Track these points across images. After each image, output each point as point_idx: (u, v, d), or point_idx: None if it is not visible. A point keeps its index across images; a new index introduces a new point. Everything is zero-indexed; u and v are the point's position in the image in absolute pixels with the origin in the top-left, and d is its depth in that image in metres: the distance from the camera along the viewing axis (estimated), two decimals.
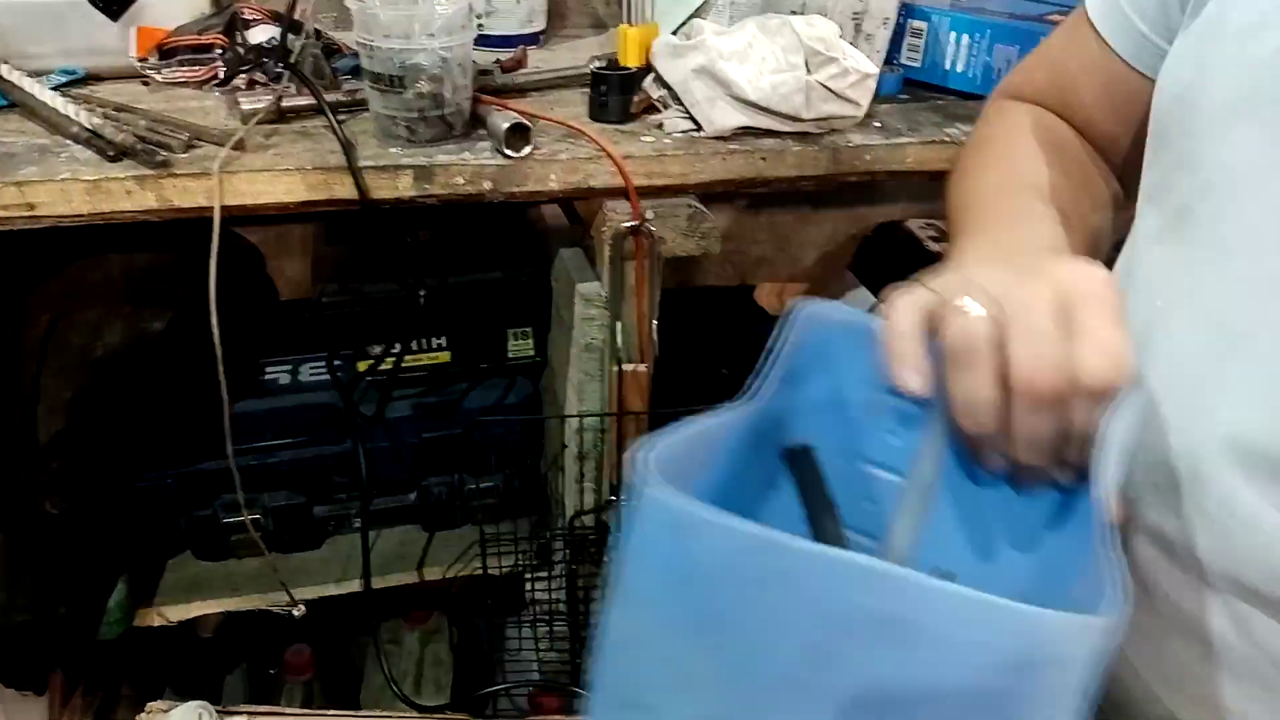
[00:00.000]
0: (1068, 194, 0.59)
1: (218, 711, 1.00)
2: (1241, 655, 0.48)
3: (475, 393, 1.21)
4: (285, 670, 1.46)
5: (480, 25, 1.20)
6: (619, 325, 1.01)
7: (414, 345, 1.14)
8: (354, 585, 1.22)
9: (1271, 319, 0.45)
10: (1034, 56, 0.71)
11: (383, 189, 0.90)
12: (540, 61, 1.17)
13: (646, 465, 0.37)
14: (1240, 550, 0.47)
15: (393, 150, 0.92)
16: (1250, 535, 0.46)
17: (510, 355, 1.19)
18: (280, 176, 0.89)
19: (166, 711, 1.01)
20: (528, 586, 1.27)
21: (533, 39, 1.23)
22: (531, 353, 1.19)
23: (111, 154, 0.87)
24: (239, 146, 0.90)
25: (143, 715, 1.05)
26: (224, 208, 0.88)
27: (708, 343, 1.40)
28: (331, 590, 1.22)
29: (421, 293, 0.94)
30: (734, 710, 0.38)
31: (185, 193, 0.88)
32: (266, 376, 1.19)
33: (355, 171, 0.88)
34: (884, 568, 0.34)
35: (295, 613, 1.15)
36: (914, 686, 0.34)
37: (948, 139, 1.02)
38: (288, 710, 1.05)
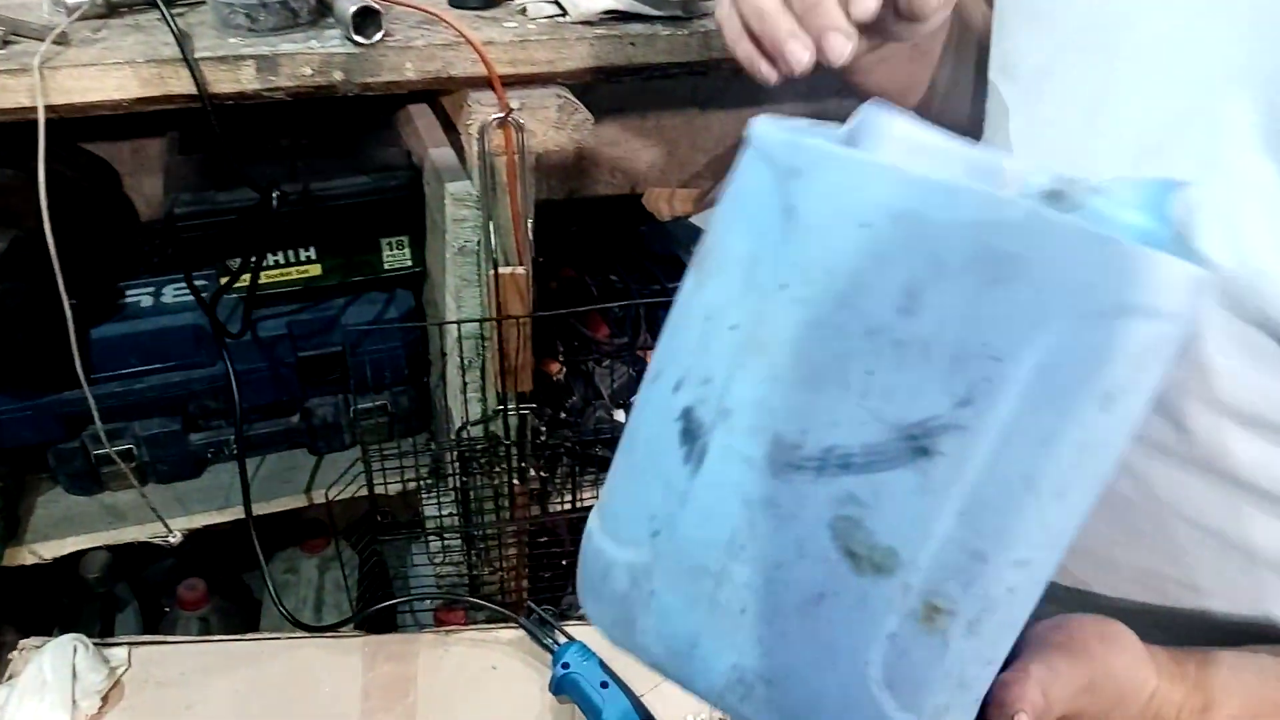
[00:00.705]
0: None
1: (95, 644, 0.96)
2: (1145, 512, 0.48)
3: (353, 307, 1.16)
4: (179, 604, 1.42)
5: None
6: (492, 225, 0.97)
7: (280, 259, 1.08)
8: (237, 513, 1.17)
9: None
10: None
11: (223, 82, 0.84)
12: None
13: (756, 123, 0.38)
14: None
15: (232, 40, 0.86)
16: None
17: (387, 266, 1.14)
18: (110, 71, 0.82)
19: (39, 648, 0.97)
20: (421, 503, 1.24)
21: None
22: (409, 263, 1.14)
23: None
24: (62, 40, 0.83)
25: (15, 654, 1.01)
26: (49, 107, 0.82)
27: (597, 250, 1.37)
28: (214, 519, 1.18)
29: (275, 195, 0.88)
30: (806, 375, 0.36)
31: (3, 91, 0.81)
32: (127, 299, 1.13)
33: (191, 63, 0.82)
34: (998, 195, 0.33)
35: (171, 540, 1.11)
36: (1006, 333, 0.33)
37: None
38: (171, 639, 1.02)
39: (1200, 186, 0.38)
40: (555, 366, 1.26)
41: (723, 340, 0.38)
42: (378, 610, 1.08)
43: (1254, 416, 0.41)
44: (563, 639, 0.94)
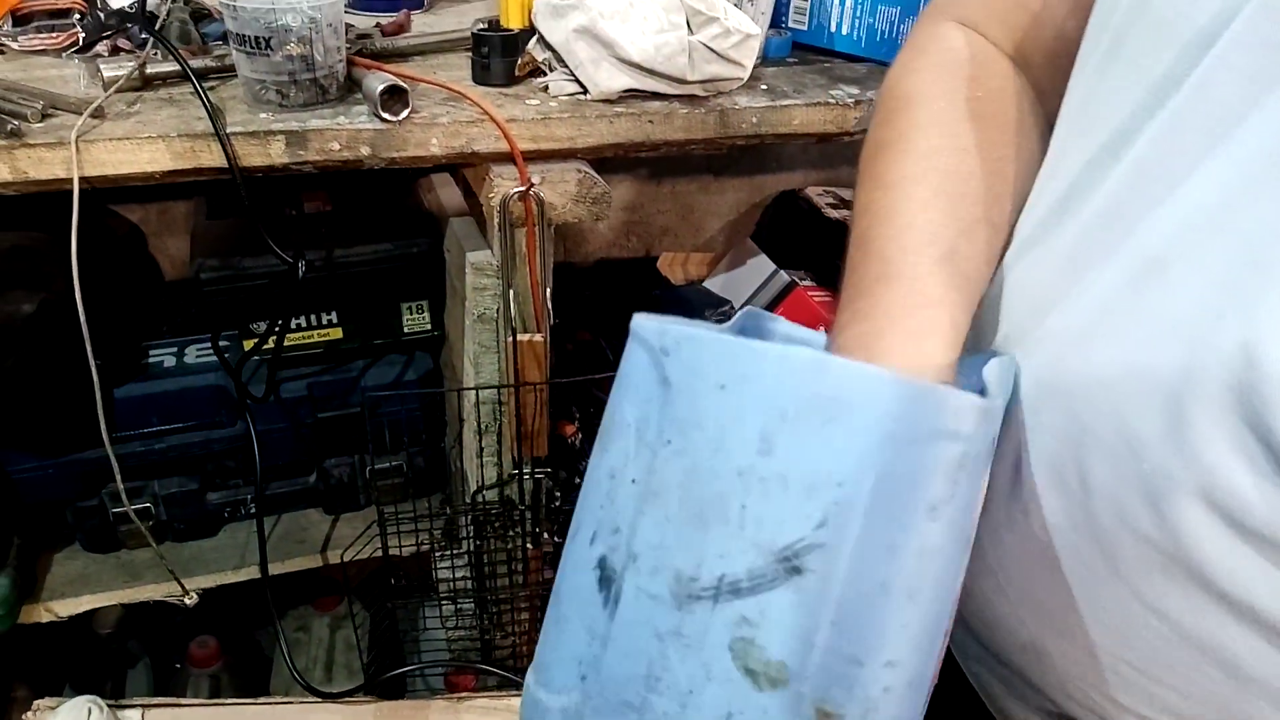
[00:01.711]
0: (975, 197, 0.52)
1: (109, 705, 0.97)
2: (1109, 588, 0.48)
3: (372, 370, 1.18)
4: (190, 662, 1.42)
5: None
6: (511, 294, 0.99)
7: (302, 322, 1.10)
8: (252, 572, 1.18)
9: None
10: None
11: (254, 156, 0.87)
12: (425, 25, 1.14)
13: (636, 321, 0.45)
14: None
15: (263, 115, 0.88)
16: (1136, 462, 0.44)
17: (406, 330, 1.16)
18: (143, 144, 0.85)
19: (54, 709, 0.97)
20: (434, 565, 1.25)
21: (416, 2, 1.20)
22: (428, 327, 1.16)
23: None
24: (98, 114, 0.86)
25: (29, 714, 1.01)
26: (84, 179, 0.84)
27: (611, 314, 1.39)
28: (229, 578, 1.18)
29: (301, 264, 0.90)
30: (694, 514, 0.42)
31: (41, 164, 0.83)
32: (151, 359, 1.15)
33: (223, 138, 0.85)
34: (816, 355, 0.40)
35: (187, 601, 1.11)
36: (844, 462, 0.40)
37: (832, 100, 1.01)
38: (184, 700, 1.02)
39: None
40: (571, 429, 1.27)
41: (625, 493, 0.44)
42: (388, 679, 1.08)
43: (1253, 529, 0.41)
44: None
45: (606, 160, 1.01)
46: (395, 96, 0.89)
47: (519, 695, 1.01)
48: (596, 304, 1.41)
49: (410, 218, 1.16)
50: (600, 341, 1.33)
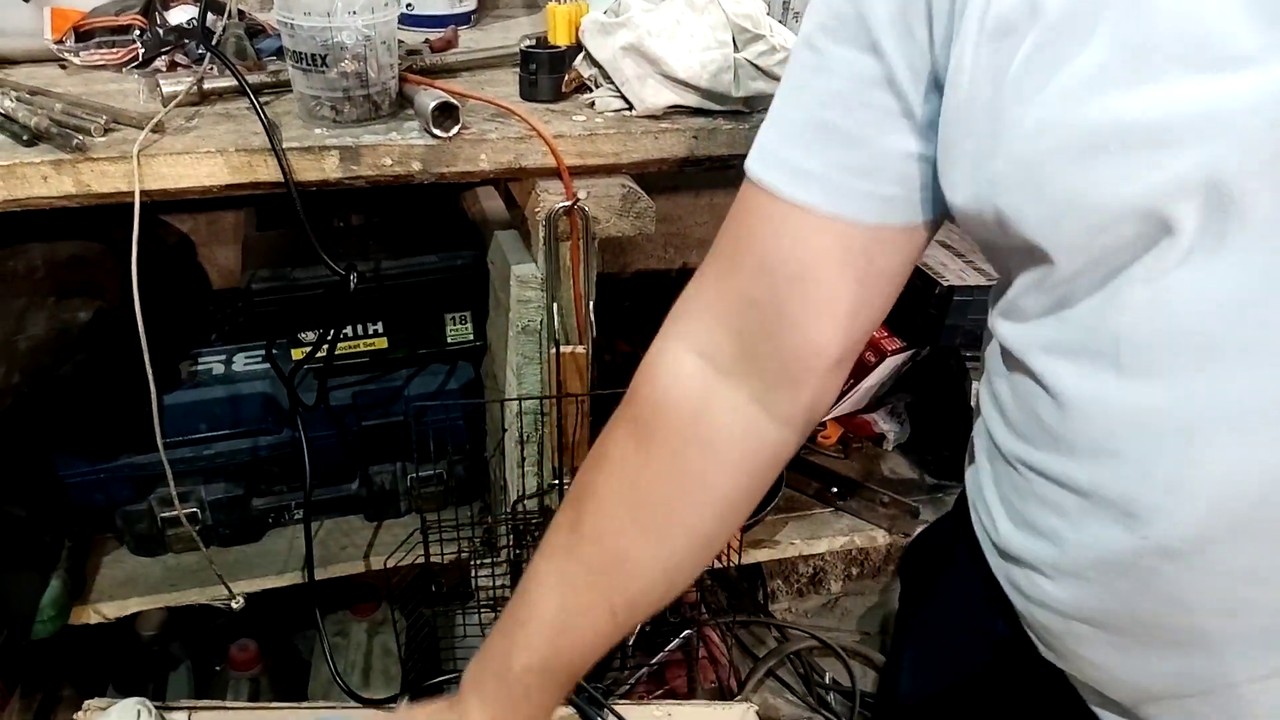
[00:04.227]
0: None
1: (157, 708, 0.99)
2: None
3: (416, 379, 1.20)
4: (230, 665, 1.44)
5: (410, 5, 1.18)
6: (555, 306, 1.01)
7: (349, 332, 1.12)
8: (296, 577, 1.20)
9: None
10: (707, 268, 0.63)
11: (308, 170, 0.89)
12: (472, 41, 1.16)
13: None
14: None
15: (318, 131, 0.90)
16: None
17: (449, 340, 1.17)
18: (202, 159, 0.87)
19: (105, 709, 0.99)
20: (474, 574, 1.26)
21: (464, 18, 1.22)
22: (471, 337, 1.18)
23: (26, 139, 0.85)
24: (159, 129, 0.88)
25: (80, 714, 1.03)
26: (144, 192, 0.86)
27: (650, 325, 1.40)
28: (273, 583, 1.20)
29: (353, 277, 0.92)
30: None
31: (104, 177, 0.85)
32: (200, 366, 1.17)
33: (279, 153, 0.87)
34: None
35: (234, 605, 1.13)
36: None
37: None
38: (230, 704, 1.04)
39: None
40: None
41: None
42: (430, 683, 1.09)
43: None
44: (613, 718, 0.95)
45: (647, 173, 1.02)
46: (446, 113, 0.91)
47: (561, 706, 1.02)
48: (636, 315, 1.42)
49: (454, 229, 1.18)
50: (639, 353, 1.34)
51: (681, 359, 0.62)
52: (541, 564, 0.64)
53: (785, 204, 0.55)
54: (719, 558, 1.32)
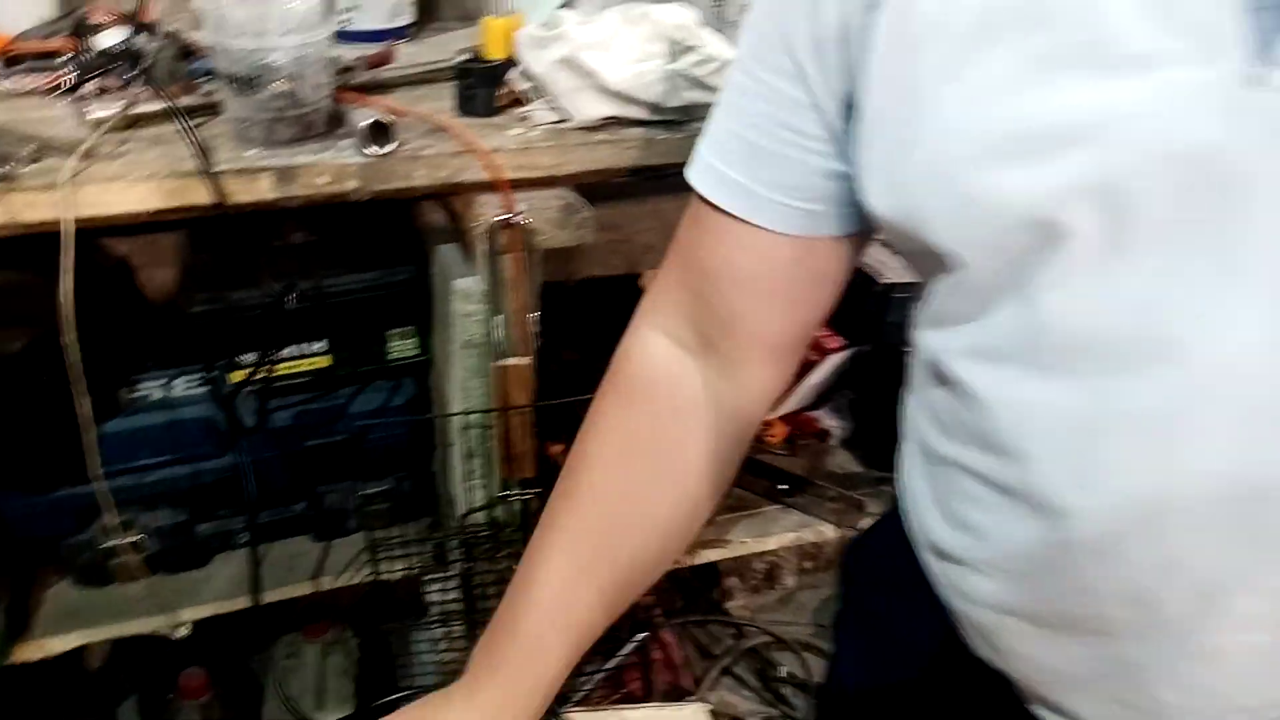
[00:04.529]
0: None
1: None
2: None
3: (361, 396, 1.19)
4: (180, 694, 1.42)
5: (345, 21, 1.18)
6: (498, 320, 1.01)
7: (291, 351, 1.11)
8: (244, 602, 1.19)
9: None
10: (668, 262, 0.67)
11: (242, 193, 0.88)
12: (409, 56, 1.16)
13: None
14: None
15: (250, 153, 0.90)
16: None
17: (393, 356, 1.17)
18: (133, 185, 0.86)
19: None
20: (424, 590, 1.26)
21: (400, 33, 1.22)
22: (416, 352, 1.18)
23: None
24: (88, 156, 0.87)
25: None
26: (75, 220, 0.85)
27: (597, 332, 1.40)
28: (220, 608, 1.19)
29: (290, 296, 0.92)
30: None
31: (32, 206, 0.84)
32: (139, 392, 1.15)
33: (211, 176, 0.86)
34: None
35: (179, 633, 1.12)
36: None
37: None
38: None
39: None
40: (558, 449, 1.28)
41: None
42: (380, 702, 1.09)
43: None
44: None
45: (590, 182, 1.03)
46: (380, 131, 0.91)
47: None
48: (581, 323, 1.42)
49: (398, 245, 1.17)
50: (585, 361, 1.35)
51: (654, 341, 0.67)
52: (542, 534, 0.66)
53: (721, 214, 0.60)
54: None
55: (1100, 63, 0.42)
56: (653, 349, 0.67)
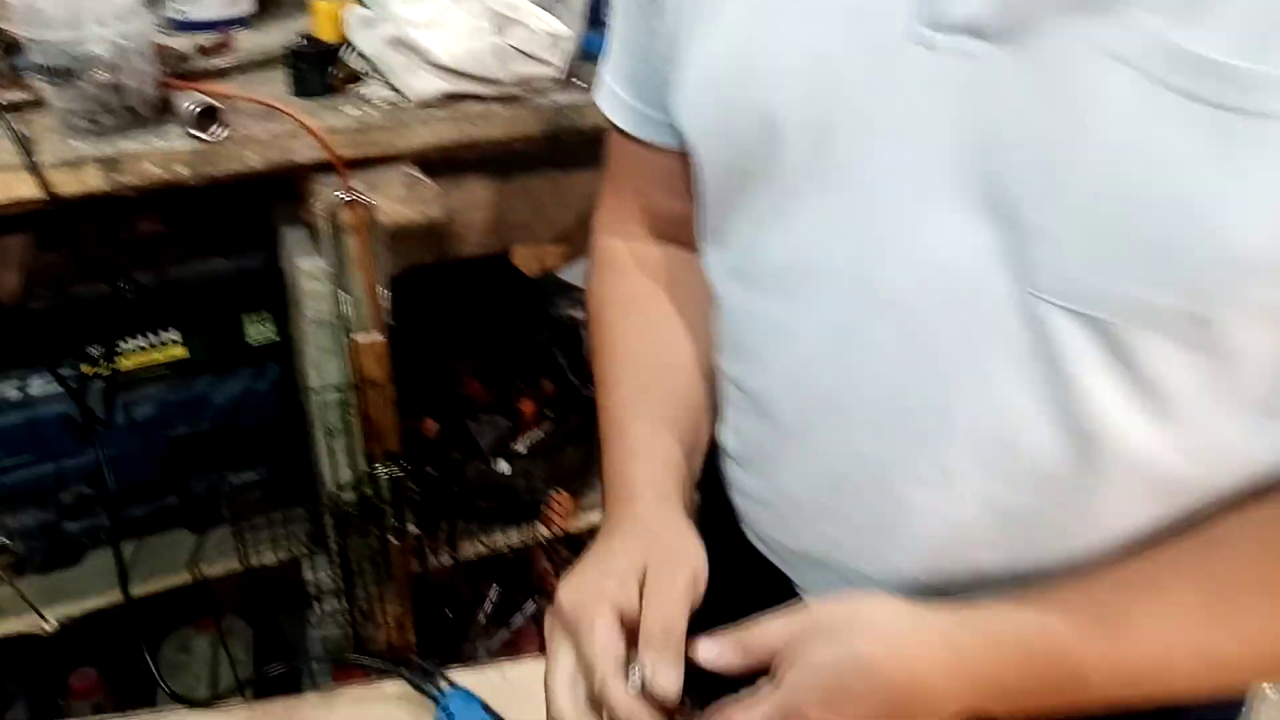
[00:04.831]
0: (676, 373, 0.68)
1: None
2: None
3: (223, 385, 1.19)
4: (71, 696, 1.41)
5: (181, 11, 1.17)
6: (347, 298, 1.02)
7: (144, 343, 1.11)
8: (117, 596, 1.18)
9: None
10: (609, 172, 0.74)
11: (69, 184, 0.88)
12: (251, 43, 1.15)
13: None
14: None
15: (76, 144, 0.90)
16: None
17: (252, 341, 1.17)
18: None
19: None
20: (304, 571, 1.27)
21: (240, 21, 1.21)
22: (274, 336, 1.18)
23: None
24: None
25: None
26: None
27: (468, 311, 1.43)
28: (92, 604, 1.18)
29: (126, 285, 0.92)
30: None
31: None
32: None
33: (34, 168, 0.86)
34: None
35: (46, 629, 1.11)
36: None
37: None
38: None
39: None
40: (432, 425, 1.30)
41: None
42: (280, 684, 1.10)
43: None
44: (446, 686, 0.97)
45: (456, 160, 1.04)
46: (208, 116, 0.91)
47: (393, 681, 1.04)
48: (452, 302, 1.44)
49: (247, 231, 1.17)
50: (456, 339, 1.37)
51: (621, 245, 0.73)
52: (608, 401, 0.67)
53: (620, 130, 0.67)
54: (556, 527, 1.37)
55: (805, 13, 0.49)
56: (620, 248, 0.72)
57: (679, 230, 0.70)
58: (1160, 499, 0.53)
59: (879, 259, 0.52)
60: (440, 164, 1.03)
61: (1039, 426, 0.51)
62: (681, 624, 0.53)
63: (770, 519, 0.66)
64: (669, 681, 0.50)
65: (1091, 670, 0.50)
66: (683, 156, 0.62)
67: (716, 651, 0.52)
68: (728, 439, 0.67)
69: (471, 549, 1.32)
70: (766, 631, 0.51)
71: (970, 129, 0.47)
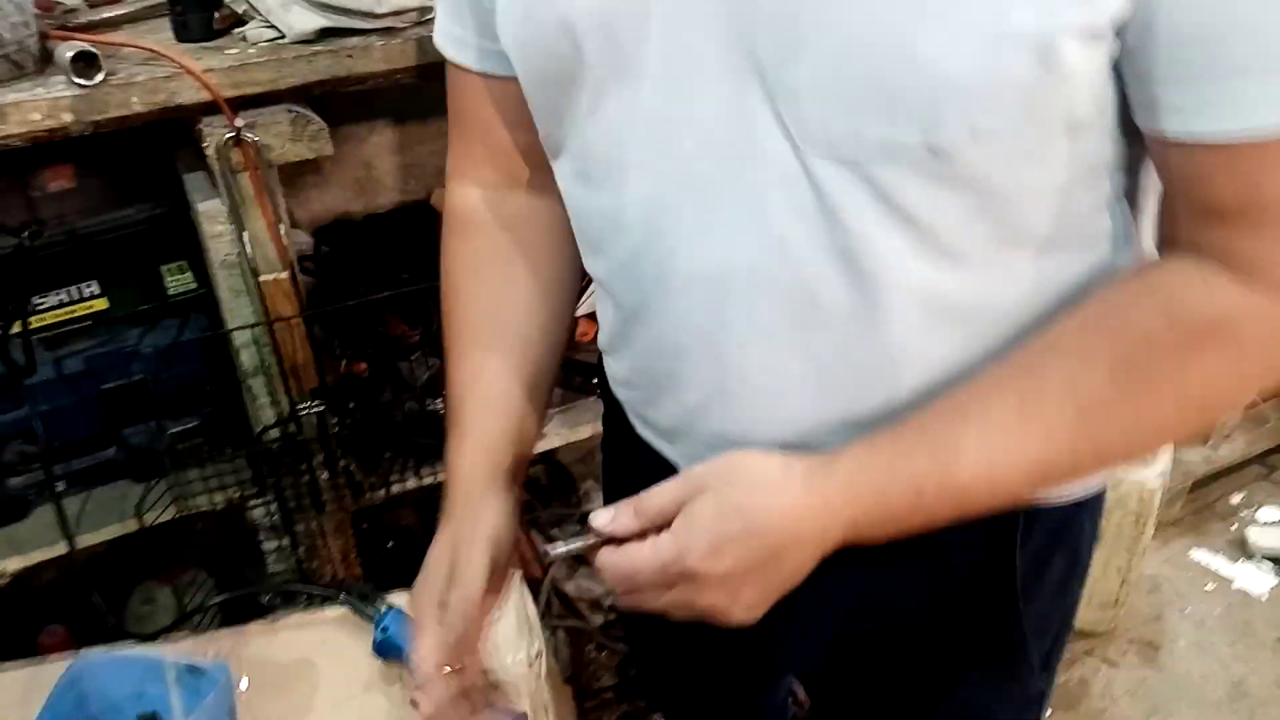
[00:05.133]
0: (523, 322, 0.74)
1: None
2: None
3: (150, 335, 1.22)
4: (41, 652, 1.46)
5: None
6: (246, 237, 1.05)
7: (63, 297, 1.14)
8: (63, 548, 1.22)
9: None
10: (453, 116, 0.76)
11: None
12: None
13: None
14: None
15: None
16: None
17: (172, 291, 1.20)
18: None
19: None
20: (250, 513, 1.31)
21: None
22: (194, 285, 1.20)
23: None
24: None
25: None
26: None
27: (391, 256, 1.45)
28: (40, 557, 1.22)
29: (25, 236, 0.95)
30: None
31: None
32: None
33: None
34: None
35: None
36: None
37: None
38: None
39: None
40: (362, 366, 1.33)
41: None
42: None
43: None
44: (384, 608, 1.01)
45: (366, 104, 1.05)
46: (87, 62, 0.93)
47: (333, 607, 1.08)
48: (379, 249, 1.46)
49: (159, 180, 1.19)
50: (381, 283, 1.39)
51: (470, 192, 0.76)
52: (452, 349, 0.74)
53: (461, 67, 0.70)
54: None
55: None
56: (471, 198, 0.76)
57: (530, 164, 0.73)
58: (956, 331, 0.57)
59: (675, 138, 0.56)
60: (350, 111, 1.05)
61: (830, 275, 0.55)
62: (476, 598, 0.65)
63: (639, 400, 0.72)
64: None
65: (932, 498, 0.55)
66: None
67: (611, 515, 0.57)
68: (600, 333, 0.73)
69: (415, 483, 1.36)
70: (656, 494, 0.56)
71: (731, 4, 0.52)
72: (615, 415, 0.80)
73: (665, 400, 0.67)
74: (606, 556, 0.56)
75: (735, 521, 0.54)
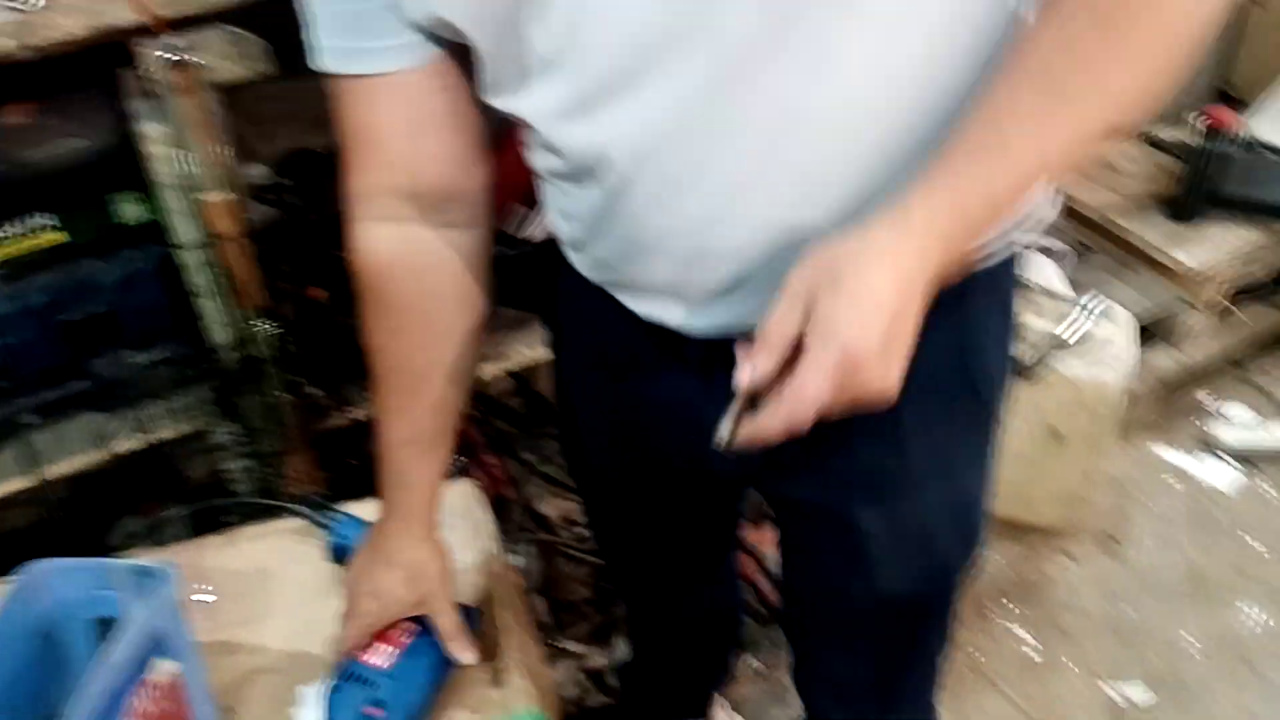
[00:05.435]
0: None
1: None
2: None
3: (109, 265, 1.23)
4: None
5: None
6: (190, 158, 1.08)
7: (19, 229, 1.16)
8: (33, 479, 1.25)
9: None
10: (346, 144, 0.76)
11: None
12: None
13: None
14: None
15: None
16: None
17: (128, 220, 1.22)
18: None
19: None
20: (214, 437, 1.34)
21: None
22: (148, 214, 1.22)
23: None
24: None
25: None
26: None
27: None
28: (10, 488, 1.25)
29: None
30: None
31: None
32: None
33: None
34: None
35: None
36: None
37: None
38: None
39: None
40: (319, 292, 1.37)
41: None
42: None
43: None
44: (340, 517, 1.05)
45: None
46: None
47: (291, 519, 1.12)
48: (337, 183, 1.48)
49: (110, 110, 1.21)
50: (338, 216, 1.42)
51: (373, 232, 0.78)
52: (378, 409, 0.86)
53: (356, 80, 0.70)
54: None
55: None
56: (374, 240, 0.78)
57: (432, 178, 0.75)
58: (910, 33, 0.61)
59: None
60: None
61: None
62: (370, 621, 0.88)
63: (618, 278, 0.77)
64: None
65: (1002, 191, 0.59)
66: (416, 72, 0.69)
67: (749, 367, 0.58)
68: (564, 236, 0.79)
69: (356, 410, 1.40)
70: (774, 324, 0.58)
71: None
72: (578, 291, 0.82)
73: (636, 259, 0.72)
74: (774, 411, 0.57)
75: (865, 299, 0.56)
